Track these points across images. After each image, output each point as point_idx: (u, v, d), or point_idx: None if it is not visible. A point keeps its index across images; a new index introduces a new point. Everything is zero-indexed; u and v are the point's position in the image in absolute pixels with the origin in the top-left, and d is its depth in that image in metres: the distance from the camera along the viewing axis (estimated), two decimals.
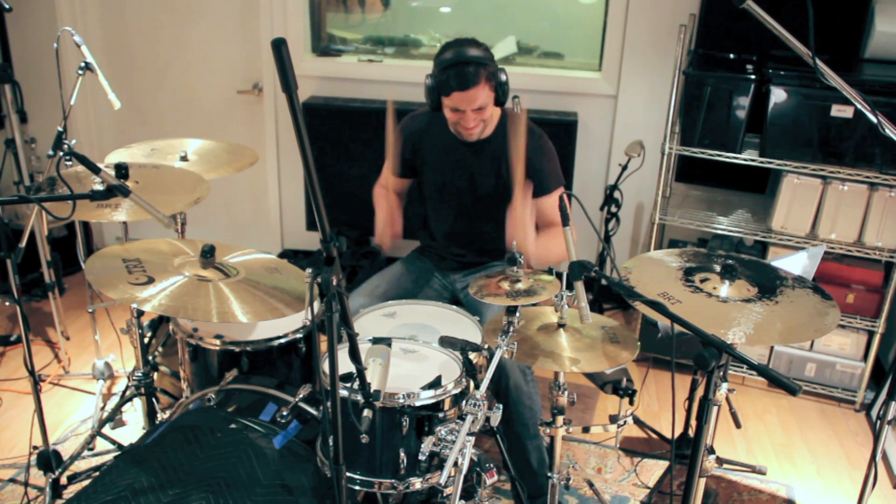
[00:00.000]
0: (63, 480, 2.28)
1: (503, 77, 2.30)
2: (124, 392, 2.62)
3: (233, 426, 1.83)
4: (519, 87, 3.28)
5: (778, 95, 2.82)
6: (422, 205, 2.65)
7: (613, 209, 3.46)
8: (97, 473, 2.21)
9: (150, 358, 2.51)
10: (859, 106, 1.59)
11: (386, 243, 2.52)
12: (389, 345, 1.68)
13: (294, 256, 3.99)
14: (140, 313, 2.39)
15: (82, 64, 2.58)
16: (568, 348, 1.82)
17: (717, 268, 1.87)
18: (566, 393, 1.89)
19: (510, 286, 1.89)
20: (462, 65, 2.20)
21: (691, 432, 2.68)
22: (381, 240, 2.53)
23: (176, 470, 1.69)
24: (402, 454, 1.75)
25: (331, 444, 1.44)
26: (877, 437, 1.83)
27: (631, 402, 2.58)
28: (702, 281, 1.84)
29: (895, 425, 2.68)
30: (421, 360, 1.93)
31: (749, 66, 2.98)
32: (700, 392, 1.51)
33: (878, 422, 1.84)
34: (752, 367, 1.36)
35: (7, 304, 3.61)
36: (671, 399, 2.75)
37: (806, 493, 2.63)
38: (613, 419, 2.01)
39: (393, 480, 1.75)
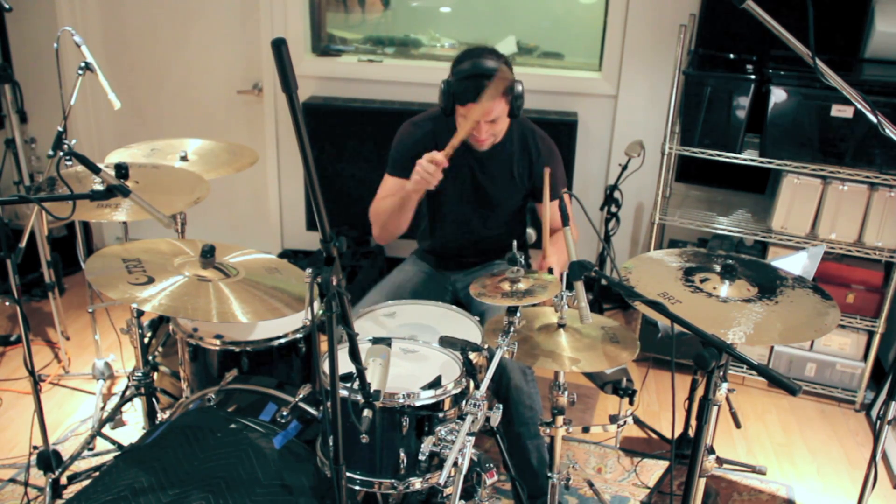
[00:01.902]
0: (63, 480, 2.28)
1: (519, 88, 2.30)
2: (124, 392, 2.62)
3: (233, 426, 1.83)
4: None
5: (778, 95, 2.82)
6: (424, 207, 2.64)
7: (613, 209, 3.46)
8: (97, 473, 2.21)
9: (150, 358, 2.51)
10: (859, 106, 1.59)
11: (384, 237, 2.45)
12: (389, 345, 1.68)
13: (294, 256, 3.99)
14: (140, 313, 2.39)
15: (82, 64, 2.58)
16: (568, 348, 1.82)
17: (717, 268, 1.87)
18: (566, 393, 1.89)
19: (511, 286, 1.89)
20: (482, 77, 2.19)
21: (691, 432, 2.68)
22: (382, 234, 2.45)
23: (176, 470, 1.69)
24: (402, 454, 1.75)
25: (331, 444, 1.44)
26: (877, 437, 1.83)
27: (631, 402, 2.58)
28: (702, 281, 1.84)
29: (895, 425, 2.68)
30: (421, 360, 1.93)
31: (749, 66, 2.98)
32: (700, 392, 1.51)
33: (878, 422, 1.84)
34: (752, 367, 1.36)
35: (7, 304, 3.61)
36: (671, 399, 2.75)
37: (806, 493, 2.63)
38: (613, 419, 2.01)
39: (393, 480, 1.75)
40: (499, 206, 2.50)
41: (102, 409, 2.90)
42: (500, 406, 1.68)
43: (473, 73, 2.22)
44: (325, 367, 1.72)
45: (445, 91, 2.29)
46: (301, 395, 1.92)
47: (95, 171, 1.91)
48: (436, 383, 1.78)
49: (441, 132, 2.45)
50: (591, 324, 1.88)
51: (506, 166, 2.44)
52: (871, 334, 3.00)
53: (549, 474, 1.99)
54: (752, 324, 1.66)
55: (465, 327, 2.17)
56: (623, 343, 1.86)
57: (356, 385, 1.53)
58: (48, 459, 2.22)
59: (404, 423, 1.73)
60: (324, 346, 1.54)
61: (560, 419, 1.91)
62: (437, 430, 1.65)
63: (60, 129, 2.42)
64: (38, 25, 3.83)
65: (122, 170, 2.19)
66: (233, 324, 2.11)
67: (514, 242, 1.98)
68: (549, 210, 2.16)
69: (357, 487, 1.77)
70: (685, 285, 1.82)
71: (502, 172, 2.44)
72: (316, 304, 1.37)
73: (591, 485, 2.50)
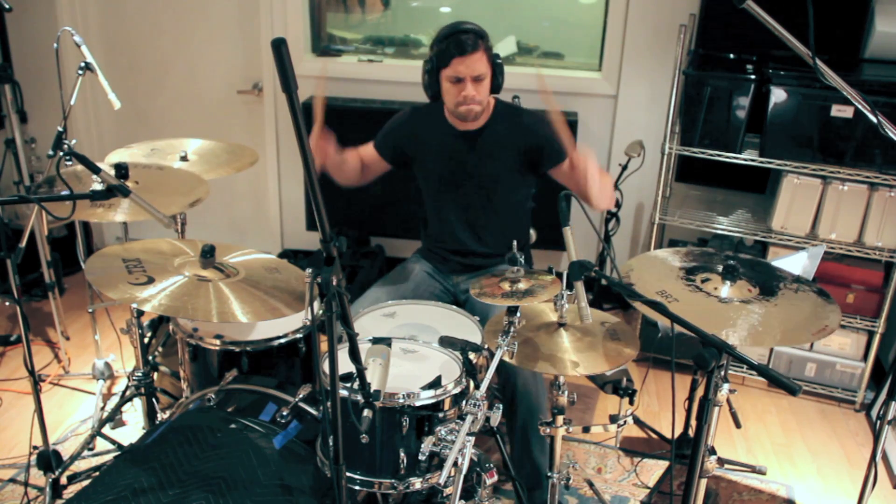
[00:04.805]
0: (63, 480, 2.28)
1: (499, 59, 2.34)
2: (124, 392, 2.62)
3: (233, 426, 1.83)
4: (519, 87, 3.29)
5: (778, 95, 2.82)
6: (421, 205, 2.64)
7: (613, 209, 3.46)
8: (97, 473, 2.21)
9: (150, 358, 2.51)
10: (859, 106, 1.59)
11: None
12: (389, 345, 1.68)
13: (294, 256, 3.99)
14: (140, 313, 2.39)
15: (82, 64, 2.57)
16: (569, 349, 1.81)
17: (719, 268, 1.87)
18: (566, 393, 1.89)
19: (511, 286, 1.89)
20: (460, 33, 2.27)
21: (691, 432, 2.68)
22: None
23: (176, 470, 1.69)
24: (402, 454, 1.75)
25: (331, 444, 1.44)
26: (877, 437, 1.83)
27: (631, 402, 2.57)
28: (703, 281, 1.84)
29: (895, 425, 2.68)
30: (421, 360, 1.93)
31: (749, 66, 2.98)
32: (700, 392, 1.51)
33: (878, 422, 1.83)
34: (752, 367, 1.36)
35: (7, 304, 3.61)
36: (671, 399, 2.75)
37: (806, 493, 2.63)
38: (613, 419, 2.01)
39: (393, 480, 1.75)
40: (492, 191, 2.48)
41: (102, 409, 2.90)
42: (500, 406, 1.68)
43: (452, 31, 2.28)
44: (325, 367, 1.72)
45: (428, 69, 2.34)
46: (301, 395, 1.92)
47: (95, 171, 1.91)
48: (436, 383, 1.78)
49: (432, 119, 2.48)
50: (590, 322, 1.88)
51: (493, 150, 2.43)
52: (871, 334, 3.00)
53: (549, 474, 1.99)
54: (751, 324, 1.66)
55: (466, 327, 2.17)
56: (623, 339, 1.86)
57: (356, 385, 1.53)
58: (48, 459, 2.22)
59: (404, 423, 1.73)
60: (324, 346, 1.54)
61: (560, 419, 1.91)
62: (437, 430, 1.65)
63: (60, 129, 2.42)
64: (38, 25, 3.83)
65: (122, 170, 2.19)
66: (233, 324, 2.11)
67: (515, 242, 1.98)
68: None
69: (357, 487, 1.76)
70: (685, 285, 1.82)
71: (489, 156, 2.44)
72: (316, 304, 1.37)
73: (591, 485, 2.50)
